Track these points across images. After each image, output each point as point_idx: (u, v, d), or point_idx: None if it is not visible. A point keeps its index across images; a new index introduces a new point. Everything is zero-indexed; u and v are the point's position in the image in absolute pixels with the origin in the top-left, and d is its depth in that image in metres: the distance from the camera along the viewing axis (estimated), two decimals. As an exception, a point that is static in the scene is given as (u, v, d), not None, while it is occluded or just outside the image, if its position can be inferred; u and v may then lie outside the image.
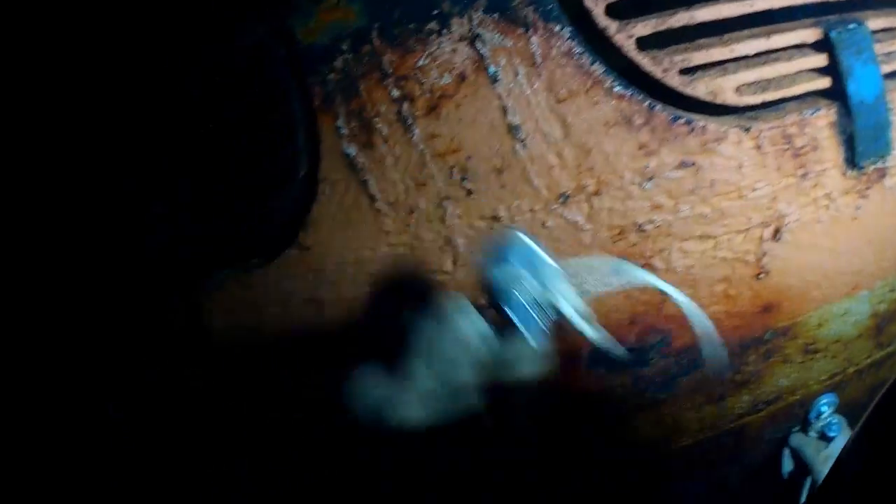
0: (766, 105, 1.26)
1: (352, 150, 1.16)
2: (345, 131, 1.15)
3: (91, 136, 1.25)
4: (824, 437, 1.72)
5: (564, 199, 1.16)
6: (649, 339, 1.31)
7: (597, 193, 1.16)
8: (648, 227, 1.19)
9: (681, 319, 1.29)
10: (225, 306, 1.36)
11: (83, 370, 1.53)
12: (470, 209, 1.14)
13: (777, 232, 1.29)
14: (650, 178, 1.18)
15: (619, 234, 1.18)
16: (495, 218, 1.16)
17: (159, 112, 1.22)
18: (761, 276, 1.32)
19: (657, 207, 1.19)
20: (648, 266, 1.23)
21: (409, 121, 1.14)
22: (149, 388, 1.56)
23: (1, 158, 1.33)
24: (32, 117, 1.25)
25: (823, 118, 1.29)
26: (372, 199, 1.17)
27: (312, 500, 1.76)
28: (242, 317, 1.35)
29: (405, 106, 1.14)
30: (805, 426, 1.64)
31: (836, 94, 1.30)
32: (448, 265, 1.20)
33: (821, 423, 1.67)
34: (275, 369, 1.36)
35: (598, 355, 1.31)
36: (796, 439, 1.64)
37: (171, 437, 1.61)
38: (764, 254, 1.29)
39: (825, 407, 1.66)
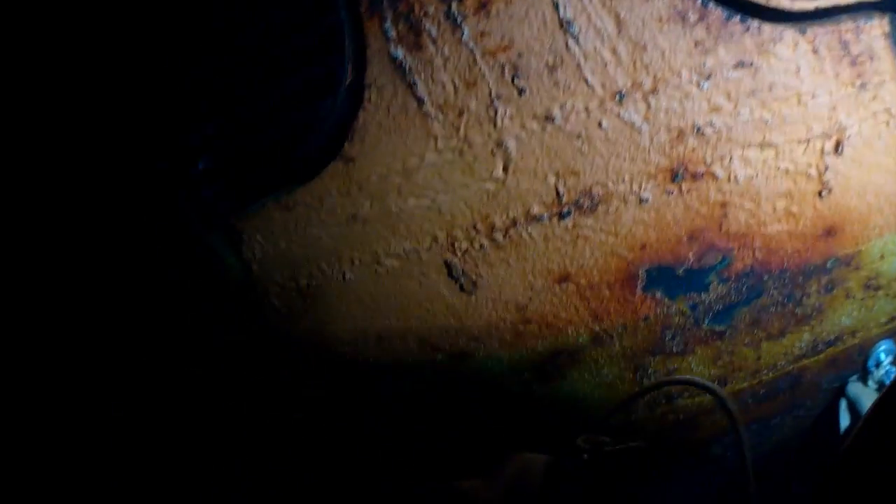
0: (819, 13, 1.13)
1: (399, 52, 1.04)
2: (392, 34, 1.03)
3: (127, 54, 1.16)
4: (882, 389, 1.51)
5: (620, 97, 1.01)
6: (708, 258, 1.12)
7: (654, 92, 0.99)
8: (708, 130, 1.02)
9: (742, 238, 1.14)
10: (265, 233, 1.22)
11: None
12: (522, 109, 0.98)
13: (839, 145, 1.13)
14: (708, 78, 1.02)
15: (678, 136, 1.00)
16: (549, 118, 1.01)
17: (202, 28, 1.13)
18: (824, 193, 1.15)
19: (716, 109, 1.02)
20: (709, 174, 1.09)
21: (459, 20, 1.01)
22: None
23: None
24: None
25: (878, 28, 1.13)
26: (420, 102, 1.04)
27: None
28: (282, 244, 1.22)
29: (454, 5, 1.01)
30: (864, 375, 1.41)
31: (889, 6, 1.17)
32: (499, 171, 1.06)
33: (880, 373, 1.43)
34: (314, 298, 1.22)
35: (654, 275, 1.15)
36: (854, 389, 1.38)
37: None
38: (826, 168, 1.13)
39: (883, 355, 1.42)
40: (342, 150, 1.04)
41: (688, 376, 1.15)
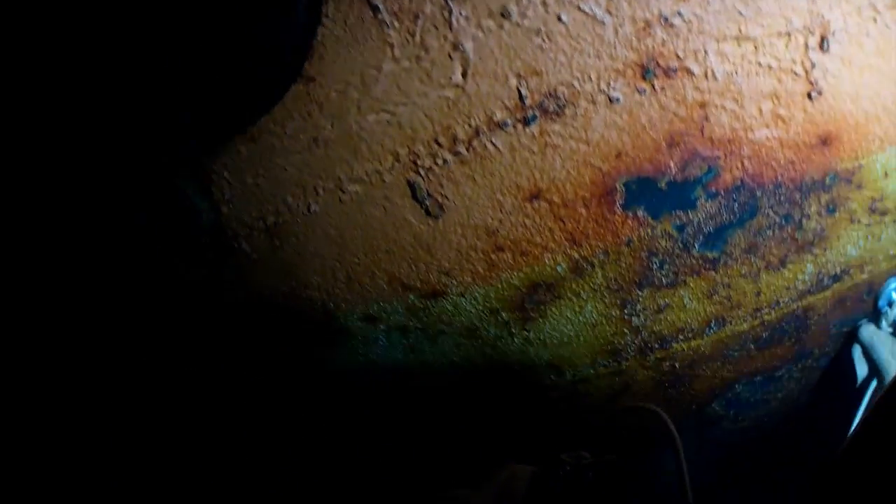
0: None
1: (352, -38, 0.92)
2: (344, -56, 0.93)
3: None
4: (901, 332, 1.22)
5: (580, -12, 0.88)
6: (693, 168, 0.90)
7: (615, -19, 0.88)
8: (676, 20, 0.82)
9: (728, 144, 0.95)
10: (233, 169, 1.08)
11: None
12: (477, 7, 0.80)
13: (823, 41, 0.94)
14: (673, -34, 0.89)
15: (645, 28, 0.80)
16: (504, 14, 0.86)
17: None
18: (813, 94, 0.95)
19: (685, -1, 0.90)
20: (683, 70, 0.91)
21: (408, -77, 0.91)
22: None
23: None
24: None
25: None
26: (375, 10, 0.89)
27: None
28: (249, 179, 1.08)
29: None
30: (876, 317, 1.10)
31: None
32: (458, 76, 0.90)
33: (894, 314, 1.19)
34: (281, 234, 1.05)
35: (634, 189, 0.92)
36: (867, 333, 1.09)
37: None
38: (812, 66, 0.93)
39: (895, 293, 1.21)
40: (302, 71, 0.92)
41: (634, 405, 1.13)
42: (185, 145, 1.03)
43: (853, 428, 1.08)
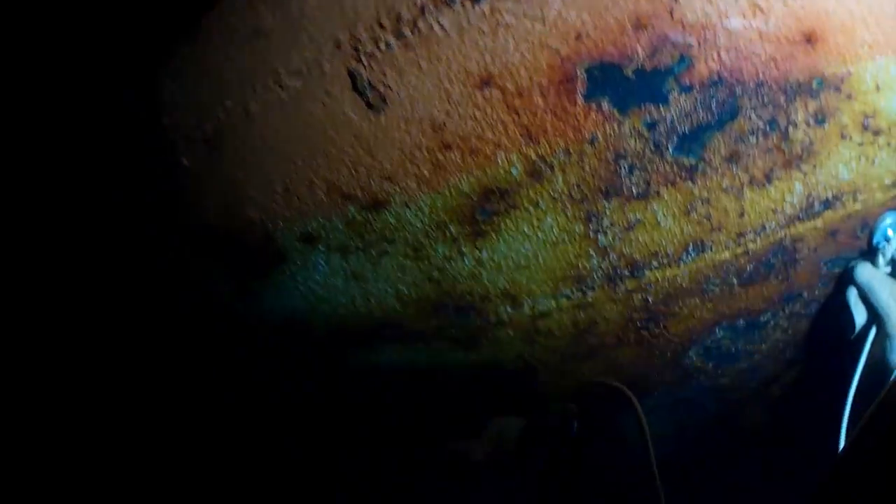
0: None
1: None
2: None
3: None
4: (901, 266, 1.00)
5: None
6: (663, 56, 0.71)
7: None
8: None
9: (701, 30, 0.79)
10: (174, 74, 0.93)
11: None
12: None
13: None
14: None
15: None
16: None
17: None
18: None
19: None
20: None
21: None
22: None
23: None
24: None
25: None
26: None
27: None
28: (190, 83, 0.94)
29: None
30: (872, 255, 0.89)
31: None
32: None
33: (892, 250, 0.88)
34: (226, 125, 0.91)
35: (597, 76, 0.71)
36: (864, 273, 0.87)
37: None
38: None
39: (891, 229, 0.87)
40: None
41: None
42: (130, 49, 0.92)
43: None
